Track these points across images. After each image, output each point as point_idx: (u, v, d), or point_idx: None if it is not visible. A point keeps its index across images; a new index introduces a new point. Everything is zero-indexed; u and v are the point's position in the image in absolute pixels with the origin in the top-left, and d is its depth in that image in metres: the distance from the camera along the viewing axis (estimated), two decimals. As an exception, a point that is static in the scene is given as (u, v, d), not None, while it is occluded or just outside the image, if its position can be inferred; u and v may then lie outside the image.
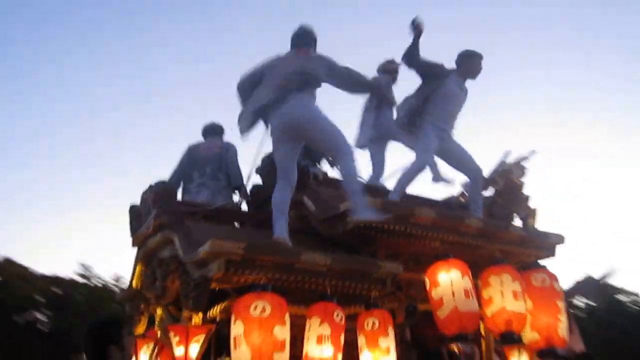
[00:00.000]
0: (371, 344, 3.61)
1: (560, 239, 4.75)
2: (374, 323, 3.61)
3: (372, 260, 3.87)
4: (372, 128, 5.38)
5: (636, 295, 24.16)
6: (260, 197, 4.71)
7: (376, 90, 5.01)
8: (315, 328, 3.40)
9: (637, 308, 23.35)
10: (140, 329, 4.37)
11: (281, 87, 3.97)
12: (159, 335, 4.15)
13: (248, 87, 4.13)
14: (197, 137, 5.58)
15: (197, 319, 3.67)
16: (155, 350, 4.17)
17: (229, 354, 3.30)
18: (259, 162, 4.77)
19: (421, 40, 4.69)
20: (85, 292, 20.43)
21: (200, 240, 3.62)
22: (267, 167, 4.62)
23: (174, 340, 3.47)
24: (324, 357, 3.36)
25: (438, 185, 5.04)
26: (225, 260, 3.31)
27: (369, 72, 5.77)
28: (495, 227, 4.54)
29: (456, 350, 4.79)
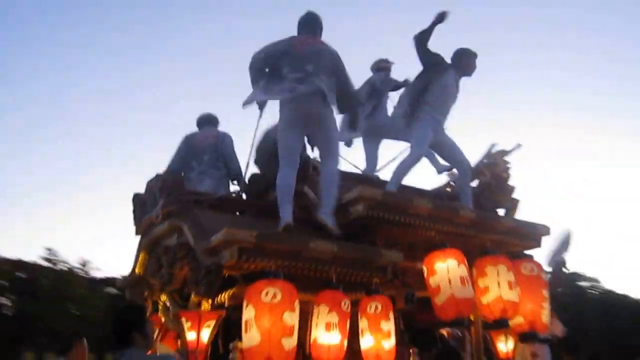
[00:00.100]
0: (373, 328, 3.75)
1: (546, 230, 4.97)
2: (376, 307, 3.76)
3: (375, 248, 4.02)
4: (367, 125, 5.51)
5: (596, 281, 25.14)
6: (259, 186, 4.81)
7: (357, 109, 5.13)
8: (323, 316, 3.54)
9: (597, 293, 24.30)
10: (143, 315, 4.45)
11: (305, 69, 4.10)
12: (162, 320, 4.25)
13: (261, 67, 4.21)
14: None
15: (206, 304, 3.78)
16: (159, 335, 4.28)
17: (240, 339, 3.44)
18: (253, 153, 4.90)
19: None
20: (51, 277, 20.29)
21: (209, 229, 3.74)
22: (266, 156, 4.73)
23: (186, 325, 3.58)
24: (332, 344, 3.52)
25: (440, 176, 5.28)
26: (237, 248, 3.43)
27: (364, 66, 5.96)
28: (487, 217, 4.74)
29: (445, 334, 5.02)
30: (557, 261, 5.30)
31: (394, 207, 4.19)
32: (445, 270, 3.99)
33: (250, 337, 3.21)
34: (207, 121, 5.58)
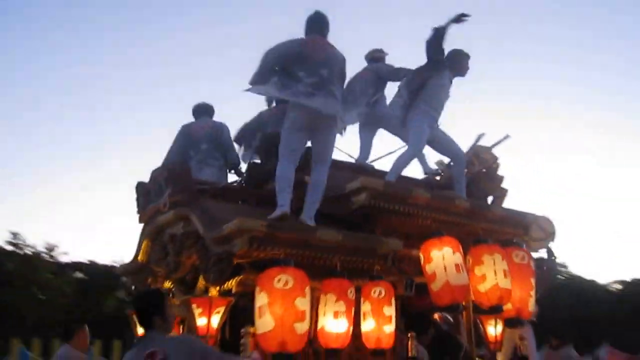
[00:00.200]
0: (376, 312, 3.88)
1: (535, 219, 5.17)
2: (380, 292, 3.88)
3: (377, 237, 4.17)
4: (367, 113, 5.60)
5: (564, 266, 25.88)
6: (259, 175, 4.91)
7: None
8: (331, 304, 3.67)
9: (563, 277, 25.03)
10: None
11: (320, 74, 4.18)
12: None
13: (273, 65, 4.24)
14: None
15: (213, 291, 3.87)
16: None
17: (250, 324, 3.55)
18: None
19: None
20: (16, 261, 20.06)
21: (218, 218, 3.83)
22: (267, 146, 4.83)
23: (197, 311, 3.67)
24: (340, 331, 3.68)
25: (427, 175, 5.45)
26: (249, 237, 3.54)
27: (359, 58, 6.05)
28: (480, 207, 4.92)
29: (438, 319, 5.21)
30: (550, 256, 5.51)
31: (394, 197, 4.34)
32: (440, 257, 4.13)
33: (264, 322, 3.33)
34: (204, 111, 5.64)
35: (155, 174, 4.32)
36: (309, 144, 4.48)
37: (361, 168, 5.35)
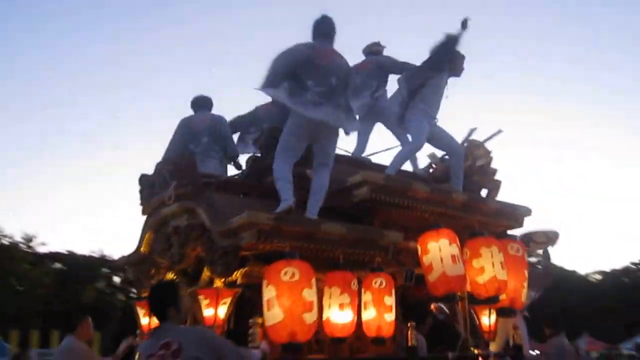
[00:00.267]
0: (377, 302, 3.97)
1: (528, 212, 5.32)
2: (381, 282, 3.98)
3: (378, 230, 4.26)
4: (368, 107, 5.66)
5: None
6: (260, 168, 4.97)
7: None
8: (336, 297, 3.78)
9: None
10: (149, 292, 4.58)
11: (328, 83, 4.24)
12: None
13: (283, 70, 4.26)
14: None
15: (218, 282, 3.94)
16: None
17: (257, 315, 3.64)
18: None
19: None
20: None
21: (223, 211, 3.90)
22: (268, 140, 4.89)
23: (204, 302, 3.74)
24: (345, 322, 3.79)
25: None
26: (256, 230, 3.62)
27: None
28: (475, 200, 5.04)
29: (433, 309, 5.33)
30: (545, 256, 5.67)
31: (394, 191, 4.44)
32: (437, 249, 4.24)
33: (274, 314, 3.42)
34: (203, 104, 5.67)
35: (159, 166, 4.37)
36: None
37: (359, 161, 5.45)
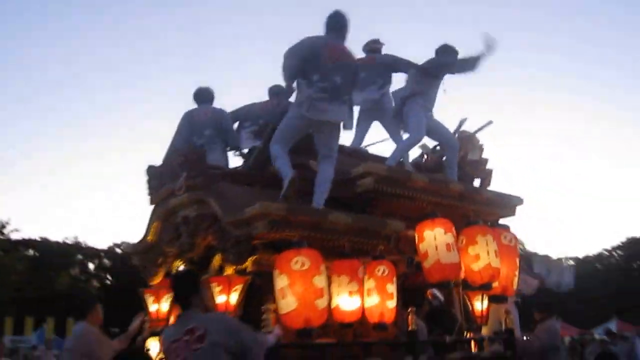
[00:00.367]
0: (379, 289, 4.12)
1: (519, 201, 5.53)
2: (384, 270, 4.13)
3: (381, 219, 4.42)
4: (371, 102, 5.78)
5: (521, 243, 26.85)
6: (262, 159, 5.08)
7: None
8: (344, 285, 3.92)
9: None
10: (157, 280, 4.70)
11: (333, 80, 4.35)
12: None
13: (296, 64, 4.37)
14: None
15: (229, 270, 4.07)
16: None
17: (267, 302, 3.79)
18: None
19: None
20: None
21: (234, 201, 4.03)
22: (271, 133, 5.00)
23: (216, 290, 3.86)
24: (354, 308, 3.97)
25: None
26: (269, 220, 3.76)
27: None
28: (471, 190, 5.23)
29: (429, 297, 5.53)
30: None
31: (396, 181, 4.61)
32: (432, 237, 4.42)
33: (287, 302, 3.58)
34: (205, 96, 5.75)
35: (168, 158, 4.48)
36: None
37: (357, 152, 5.59)
